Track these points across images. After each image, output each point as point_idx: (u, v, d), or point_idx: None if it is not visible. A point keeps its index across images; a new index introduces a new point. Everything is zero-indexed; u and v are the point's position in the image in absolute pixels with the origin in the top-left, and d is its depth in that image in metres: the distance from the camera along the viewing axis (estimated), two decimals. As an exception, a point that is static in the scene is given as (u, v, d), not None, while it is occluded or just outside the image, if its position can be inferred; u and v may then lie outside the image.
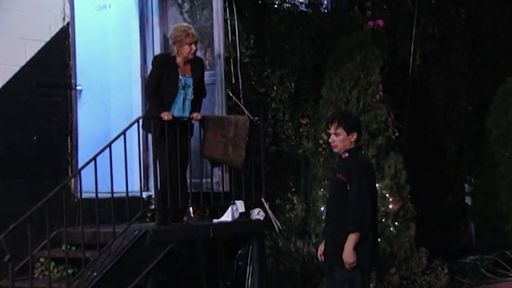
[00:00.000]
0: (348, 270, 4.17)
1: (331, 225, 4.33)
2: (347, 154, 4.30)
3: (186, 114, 5.50)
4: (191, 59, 5.51)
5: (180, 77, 5.46)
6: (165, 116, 5.29)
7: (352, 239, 4.13)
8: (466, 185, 8.43)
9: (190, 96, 5.50)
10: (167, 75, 5.44)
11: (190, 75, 5.51)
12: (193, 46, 5.46)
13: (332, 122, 4.32)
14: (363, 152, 4.52)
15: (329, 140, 4.36)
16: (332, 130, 4.32)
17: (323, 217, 4.58)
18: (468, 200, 8.40)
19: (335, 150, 4.34)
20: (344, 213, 4.19)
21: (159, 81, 5.43)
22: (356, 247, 4.14)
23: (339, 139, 4.28)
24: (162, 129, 5.30)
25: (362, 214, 4.14)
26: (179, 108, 5.47)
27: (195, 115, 5.53)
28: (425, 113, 8.23)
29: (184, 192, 5.38)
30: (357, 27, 7.16)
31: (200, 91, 5.59)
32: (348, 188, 4.19)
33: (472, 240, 8.20)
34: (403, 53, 8.10)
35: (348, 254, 4.13)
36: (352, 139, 4.29)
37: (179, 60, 5.50)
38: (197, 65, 5.57)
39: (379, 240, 6.14)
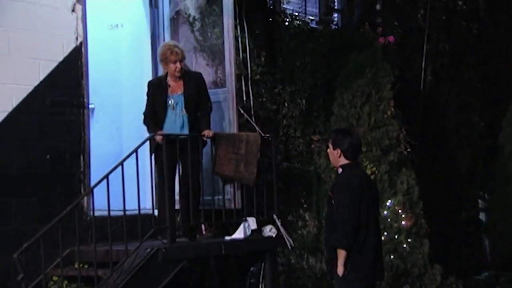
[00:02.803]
0: (345, 281, 4.20)
1: (326, 243, 4.44)
2: (340, 170, 4.36)
3: (185, 131, 5.49)
4: (184, 76, 5.54)
5: (169, 96, 5.51)
6: (157, 137, 5.33)
7: (339, 255, 4.20)
8: (479, 201, 8.37)
9: (181, 113, 5.51)
10: (158, 96, 5.53)
11: (182, 91, 5.53)
12: (178, 64, 5.49)
13: (328, 138, 4.54)
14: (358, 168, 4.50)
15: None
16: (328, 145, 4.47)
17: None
18: (482, 216, 8.34)
19: (332, 165, 4.51)
20: (331, 229, 4.28)
21: (153, 105, 5.53)
22: (354, 260, 4.18)
23: (328, 153, 4.42)
24: (159, 149, 5.35)
25: (342, 230, 4.16)
26: (173, 126, 5.49)
27: (206, 132, 5.55)
28: (437, 128, 8.21)
29: (193, 209, 5.36)
30: (368, 43, 7.19)
31: (197, 106, 5.55)
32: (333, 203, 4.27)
33: (486, 256, 8.12)
34: (414, 69, 8.10)
35: (339, 267, 4.20)
36: (337, 155, 4.33)
37: (169, 78, 5.56)
38: (192, 81, 5.57)
39: (391, 257, 6.14)
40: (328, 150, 4.40)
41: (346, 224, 4.15)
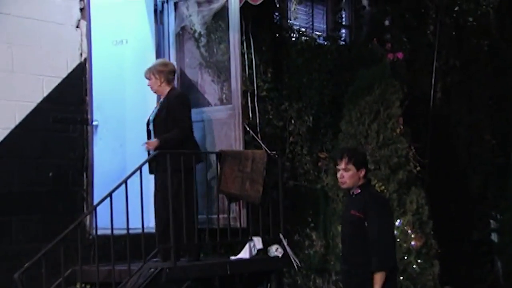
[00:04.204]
0: None
1: (349, 264, 4.32)
2: (359, 190, 4.31)
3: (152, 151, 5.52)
4: (167, 95, 5.66)
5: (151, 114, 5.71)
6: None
7: (378, 279, 4.13)
8: (491, 221, 8.33)
9: (152, 131, 5.63)
10: None
11: (155, 110, 5.68)
12: (147, 82, 5.69)
13: (342, 157, 4.33)
14: (374, 186, 4.56)
15: (338, 176, 4.36)
16: (342, 166, 4.31)
17: (342, 255, 4.52)
18: (494, 236, 8.29)
19: (344, 186, 4.34)
20: (364, 252, 4.18)
21: None
22: (390, 281, 4.19)
23: (349, 175, 4.28)
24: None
25: (385, 251, 4.16)
26: None
27: (148, 142, 5.54)
28: (448, 146, 8.20)
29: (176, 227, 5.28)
30: (376, 59, 7.21)
31: (166, 127, 5.53)
32: (366, 225, 4.20)
33: (499, 278, 8.07)
34: (423, 86, 8.12)
35: None
36: (361, 175, 4.30)
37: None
38: (166, 100, 5.65)
39: (401, 278, 6.14)
40: (348, 173, 4.25)
41: (390, 245, 4.21)
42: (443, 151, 8.03)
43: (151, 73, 5.69)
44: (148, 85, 5.73)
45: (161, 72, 5.68)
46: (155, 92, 5.78)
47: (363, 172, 4.30)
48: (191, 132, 5.68)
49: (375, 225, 4.17)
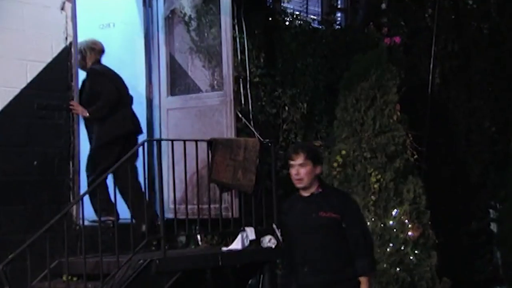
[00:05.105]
0: None
1: (328, 273, 4.05)
2: (320, 189, 4.11)
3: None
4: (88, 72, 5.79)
5: None
6: None
7: (369, 281, 4.03)
8: (490, 211, 8.38)
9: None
10: None
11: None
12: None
13: (299, 152, 4.11)
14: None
15: (293, 173, 4.11)
16: (298, 161, 4.07)
17: (304, 265, 4.12)
18: (493, 226, 8.34)
19: (300, 184, 4.09)
20: (345, 256, 4.03)
21: None
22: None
23: (305, 171, 4.06)
24: None
25: (372, 252, 4.11)
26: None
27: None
28: (446, 134, 8.22)
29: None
30: (373, 44, 7.21)
31: (86, 102, 5.68)
32: (344, 225, 4.04)
33: (498, 269, 8.12)
34: (421, 71, 8.12)
35: None
36: (317, 172, 4.13)
37: None
38: (88, 77, 5.79)
39: (397, 269, 6.17)
40: (305, 169, 4.03)
41: (371, 247, 4.14)
42: (441, 139, 8.05)
43: (82, 48, 5.77)
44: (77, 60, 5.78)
45: (92, 50, 5.78)
46: (81, 69, 5.82)
47: (318, 170, 4.13)
48: (120, 104, 5.73)
49: (359, 226, 4.07)
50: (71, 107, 5.58)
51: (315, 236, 4.06)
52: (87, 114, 5.63)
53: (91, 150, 5.74)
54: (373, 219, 6.17)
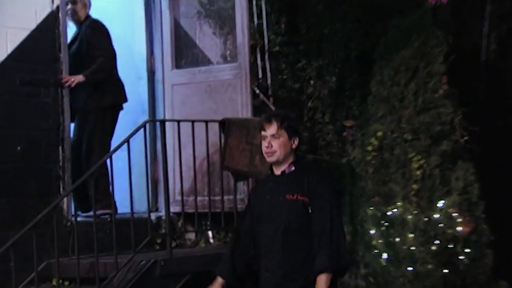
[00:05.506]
0: None
1: (286, 267, 3.95)
2: (293, 167, 4.05)
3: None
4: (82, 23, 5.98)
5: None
6: None
7: (325, 282, 3.89)
8: (557, 201, 8.36)
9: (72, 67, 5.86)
10: None
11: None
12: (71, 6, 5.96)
13: (271, 120, 4.02)
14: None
15: (264, 146, 4.05)
16: (271, 131, 4.00)
17: (269, 258, 4.04)
18: (560, 220, 8.33)
19: (271, 159, 4.02)
20: (307, 248, 3.95)
21: None
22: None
23: (279, 143, 3.98)
24: None
25: (339, 246, 3.94)
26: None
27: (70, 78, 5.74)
28: (503, 110, 8.18)
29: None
30: (415, 5, 7.18)
31: (83, 62, 5.85)
32: (311, 211, 3.95)
33: None
34: (474, 36, 8.08)
35: None
36: (293, 145, 4.06)
37: None
38: (82, 29, 5.96)
39: (445, 271, 6.19)
40: (278, 141, 3.97)
41: (344, 239, 3.97)
42: (498, 116, 8.02)
43: None
44: (71, 10, 5.95)
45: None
46: (73, 20, 6.00)
47: (295, 142, 4.06)
48: (115, 62, 5.97)
49: (327, 213, 3.94)
50: (63, 81, 5.65)
51: (278, 225, 4.00)
52: (83, 79, 5.72)
53: (80, 123, 5.88)
54: (415, 212, 6.17)
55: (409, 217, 6.05)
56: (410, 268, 6.01)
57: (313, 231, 3.95)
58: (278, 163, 4.05)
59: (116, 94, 6.02)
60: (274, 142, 4.02)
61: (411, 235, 6.06)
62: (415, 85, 6.48)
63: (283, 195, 4.02)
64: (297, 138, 4.09)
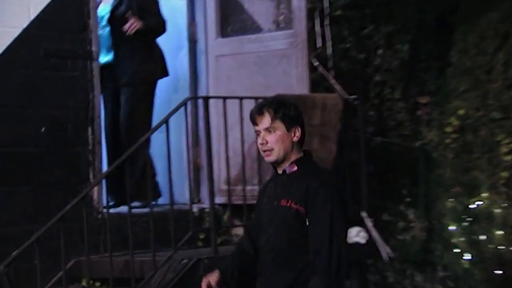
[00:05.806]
0: None
1: (275, 278, 3.83)
2: (295, 167, 3.84)
3: (109, 57, 6.00)
4: None
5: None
6: None
7: None
8: None
9: (102, 28, 6.00)
10: None
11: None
12: None
13: (262, 112, 3.83)
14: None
15: (258, 143, 3.85)
16: (263, 125, 3.80)
17: (261, 273, 3.90)
18: None
19: (270, 158, 3.82)
20: (301, 265, 3.78)
21: None
22: None
23: (275, 138, 3.79)
24: None
25: (337, 268, 3.72)
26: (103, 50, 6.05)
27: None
28: None
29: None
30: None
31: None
32: (308, 223, 3.74)
33: None
34: None
35: None
36: (295, 138, 3.83)
37: None
38: None
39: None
40: (274, 135, 3.78)
41: (343, 259, 3.74)
42: None
43: None
44: None
45: None
46: None
47: (297, 134, 3.84)
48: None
49: (326, 227, 3.72)
50: (128, 24, 5.88)
51: (268, 235, 3.88)
52: (142, 26, 5.89)
53: (112, 100, 5.99)
54: (504, 205, 6.09)
55: (497, 210, 5.98)
56: (498, 272, 5.91)
57: (310, 247, 3.77)
58: (278, 162, 3.86)
59: (163, 67, 6.14)
60: (269, 137, 3.81)
61: (499, 232, 5.97)
62: (505, 54, 6.39)
63: (278, 199, 3.86)
64: (299, 128, 3.86)
